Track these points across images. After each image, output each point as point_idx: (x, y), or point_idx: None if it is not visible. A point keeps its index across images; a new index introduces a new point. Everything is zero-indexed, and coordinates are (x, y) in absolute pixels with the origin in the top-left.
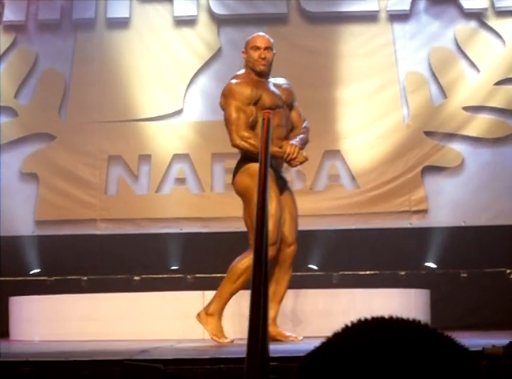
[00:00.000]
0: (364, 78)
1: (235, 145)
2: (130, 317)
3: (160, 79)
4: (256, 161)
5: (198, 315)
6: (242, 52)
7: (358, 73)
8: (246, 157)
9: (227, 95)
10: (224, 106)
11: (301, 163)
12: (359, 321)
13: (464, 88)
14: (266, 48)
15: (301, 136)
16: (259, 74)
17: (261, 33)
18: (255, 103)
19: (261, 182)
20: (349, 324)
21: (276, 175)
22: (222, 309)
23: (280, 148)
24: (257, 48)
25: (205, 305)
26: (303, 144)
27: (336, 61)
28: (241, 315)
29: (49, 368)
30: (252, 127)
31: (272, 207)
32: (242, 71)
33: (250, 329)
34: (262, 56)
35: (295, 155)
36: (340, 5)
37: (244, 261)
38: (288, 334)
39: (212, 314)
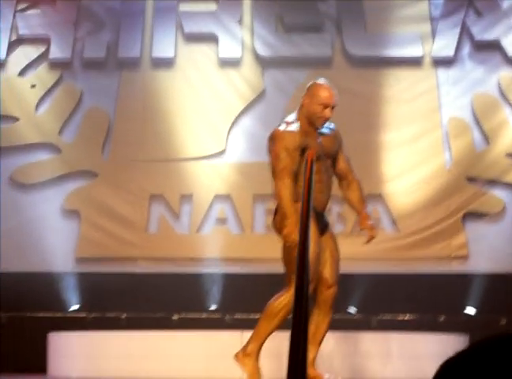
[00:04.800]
0: (407, 123)
1: (277, 194)
2: (168, 355)
3: (203, 119)
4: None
5: (236, 355)
6: (304, 97)
7: (401, 118)
8: None
9: (275, 139)
10: (271, 150)
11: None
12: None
13: (507, 134)
14: (333, 107)
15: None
16: (312, 126)
17: (329, 86)
18: (302, 152)
19: (304, 222)
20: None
21: (317, 216)
22: (259, 349)
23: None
24: (325, 106)
25: (243, 345)
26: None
27: (379, 105)
28: (279, 355)
29: None
30: (295, 175)
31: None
32: (294, 116)
33: (289, 371)
34: (327, 116)
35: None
36: (385, 50)
37: (281, 300)
38: (326, 376)
39: (249, 354)
